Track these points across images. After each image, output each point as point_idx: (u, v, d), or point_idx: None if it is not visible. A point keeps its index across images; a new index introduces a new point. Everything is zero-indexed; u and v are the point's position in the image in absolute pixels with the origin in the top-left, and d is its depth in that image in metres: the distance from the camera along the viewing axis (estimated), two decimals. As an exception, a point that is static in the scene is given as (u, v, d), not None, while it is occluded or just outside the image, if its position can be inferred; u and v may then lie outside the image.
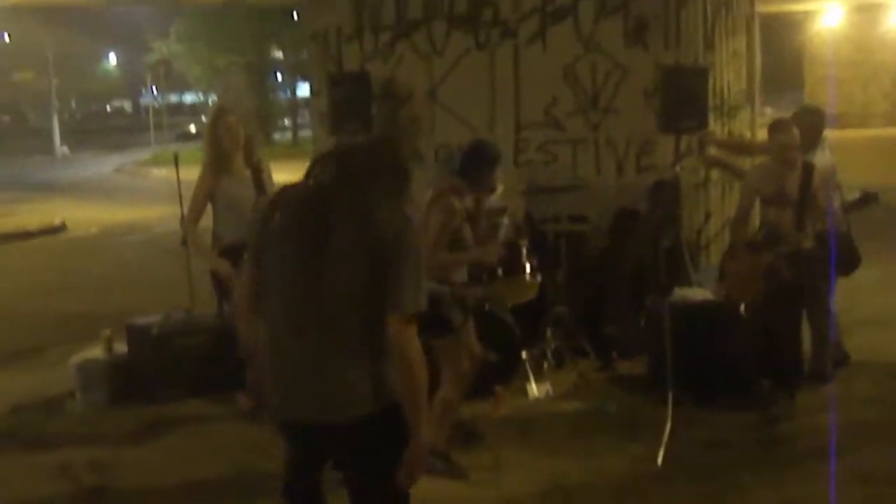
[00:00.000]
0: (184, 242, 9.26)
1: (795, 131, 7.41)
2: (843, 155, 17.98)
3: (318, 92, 10.72)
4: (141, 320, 8.64)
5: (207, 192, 7.67)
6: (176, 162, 9.54)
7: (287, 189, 4.10)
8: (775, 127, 7.67)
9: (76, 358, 8.58)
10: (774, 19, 44.54)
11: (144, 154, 41.10)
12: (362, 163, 4.00)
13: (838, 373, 8.14)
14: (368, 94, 9.94)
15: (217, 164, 7.67)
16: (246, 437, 7.23)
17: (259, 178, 7.66)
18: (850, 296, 9.10)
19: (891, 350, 8.77)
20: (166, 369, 8.31)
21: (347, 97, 9.87)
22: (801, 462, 6.69)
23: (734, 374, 7.57)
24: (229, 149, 7.65)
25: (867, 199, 7.24)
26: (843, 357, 8.34)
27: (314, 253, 3.85)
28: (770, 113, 44.54)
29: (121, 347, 8.63)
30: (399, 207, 3.96)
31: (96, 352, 8.60)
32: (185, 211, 8.79)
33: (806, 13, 41.70)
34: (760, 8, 35.50)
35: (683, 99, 8.70)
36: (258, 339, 4.07)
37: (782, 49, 46.68)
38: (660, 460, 6.62)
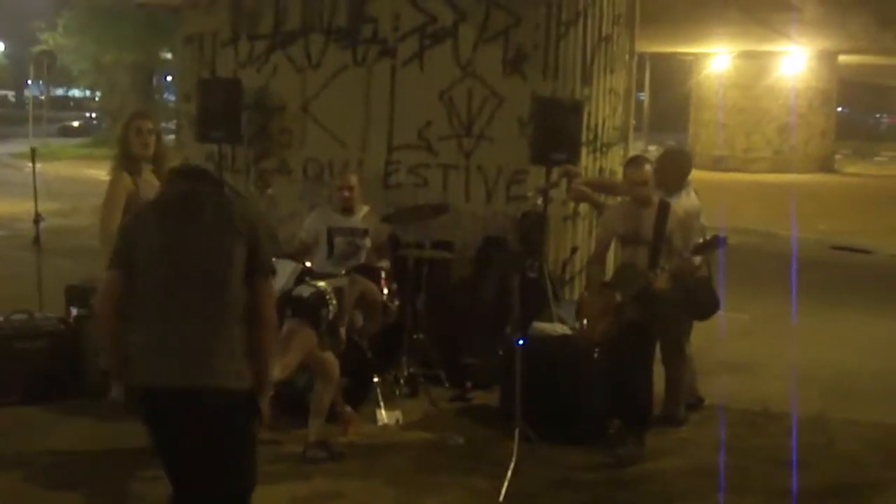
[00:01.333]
0: (35, 241, 8.95)
1: (647, 168, 7.36)
2: (723, 197, 18.27)
3: (188, 96, 10.44)
4: (-21, 321, 8.26)
5: (125, 195, 7.12)
6: (33, 157, 9.21)
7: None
8: (628, 163, 7.64)
9: None
10: (665, 60, 45.35)
11: (23, 146, 40.07)
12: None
13: (691, 416, 8.12)
14: (239, 102, 9.75)
15: (127, 165, 7.21)
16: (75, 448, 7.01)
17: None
18: (711, 339, 9.12)
19: (747, 396, 8.75)
20: (2, 373, 7.94)
21: (218, 104, 9.66)
22: (645, 507, 6.59)
23: (585, 412, 7.48)
24: (138, 153, 7.24)
25: (716, 242, 7.19)
26: (697, 401, 8.32)
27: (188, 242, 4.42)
28: (653, 151, 45.35)
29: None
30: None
31: (-69, 351, 8.20)
32: (39, 209, 8.47)
33: (696, 56, 42.38)
34: (652, 48, 36.28)
35: (556, 131, 8.70)
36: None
37: (671, 90, 47.43)
38: (501, 496, 6.47)
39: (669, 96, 47.83)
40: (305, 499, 6.51)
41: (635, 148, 37.34)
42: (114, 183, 7.17)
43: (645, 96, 46.63)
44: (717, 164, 36.97)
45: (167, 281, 4.36)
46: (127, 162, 7.20)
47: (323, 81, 9.83)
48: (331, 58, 9.77)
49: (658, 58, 43.63)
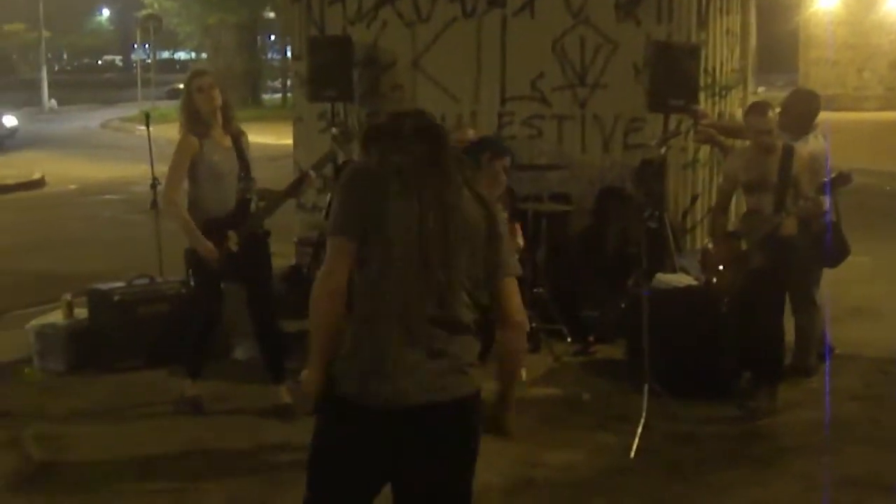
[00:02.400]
0: (153, 206, 8.99)
1: (771, 114, 7.12)
2: (836, 137, 17.82)
3: (299, 55, 10.40)
4: (103, 285, 8.37)
5: (190, 158, 6.97)
6: (147, 121, 9.24)
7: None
8: (750, 110, 7.38)
9: (34, 322, 8.32)
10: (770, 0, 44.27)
11: (132, 110, 40.59)
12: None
13: (822, 366, 7.91)
14: (350, 59, 9.69)
15: (195, 127, 7.03)
16: (200, 417, 7.06)
17: (240, 146, 7.17)
18: (837, 285, 8.84)
19: (879, 343, 8.49)
20: (126, 337, 8.06)
21: (328, 62, 9.61)
22: (779, 460, 6.42)
23: (714, 365, 7.31)
24: (205, 112, 7.11)
25: (842, 179, 6.94)
26: (829, 350, 8.10)
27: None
28: (762, 93, 44.44)
29: (83, 312, 8.35)
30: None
31: (56, 316, 8.33)
32: (155, 173, 8.49)
33: (803, -6, 41.39)
34: (758, -13, 35.47)
35: (673, 76, 8.48)
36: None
37: (778, 30, 46.26)
38: (632, 454, 6.37)
39: (777, 36, 46.73)
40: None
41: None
42: (180, 146, 7.02)
43: (752, 37, 45.60)
44: (829, 104, 35.99)
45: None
46: (193, 123, 7.03)
47: (433, 35, 9.69)
48: (440, 11, 9.63)
49: (763, -3, 42.69)
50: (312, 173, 7.34)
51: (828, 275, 8.09)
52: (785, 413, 7.12)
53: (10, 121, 27.23)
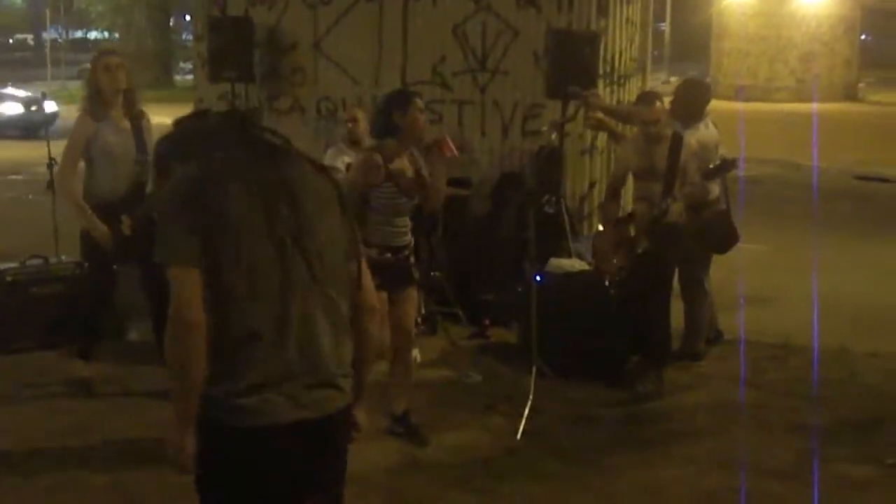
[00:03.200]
0: (49, 186, 8.86)
1: (658, 105, 7.26)
2: (746, 127, 18.10)
3: (201, 36, 10.33)
4: (-4, 266, 8.24)
5: (84, 138, 6.92)
6: (42, 101, 9.09)
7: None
8: (639, 100, 7.54)
9: (-73, 303, 8.17)
10: (686, -11, 44.80)
11: (43, 90, 39.99)
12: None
13: (711, 351, 8.06)
14: (250, 40, 9.64)
15: (94, 108, 6.98)
16: (89, 400, 7.00)
17: (139, 130, 7.08)
18: (733, 272, 9.02)
19: (771, 330, 8.64)
20: (19, 318, 7.95)
21: (228, 43, 9.55)
22: (665, 443, 6.54)
23: (602, 348, 7.41)
24: (108, 93, 7.01)
25: (725, 165, 7.09)
26: (717, 335, 8.26)
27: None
28: (674, 83, 44.90)
29: (-26, 293, 8.23)
30: None
31: (-53, 298, 8.20)
32: (53, 153, 8.37)
33: (717, -17, 41.89)
34: (672, -23, 35.80)
35: (572, 64, 8.54)
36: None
37: (691, 20, 46.88)
38: (518, 434, 6.44)
39: (691, 26, 47.29)
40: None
41: (657, 79, 37.23)
42: (76, 127, 6.98)
43: (666, 26, 46.12)
44: (740, 94, 36.63)
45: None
46: (96, 103, 6.98)
47: (335, 18, 9.69)
48: (342, -7, 9.64)
49: (679, -13, 43.18)
50: None
51: (722, 262, 8.25)
52: (672, 396, 7.26)
53: (51, 107, 26.30)
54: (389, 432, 6.42)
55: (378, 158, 6.07)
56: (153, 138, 7.02)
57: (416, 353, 7.82)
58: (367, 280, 3.59)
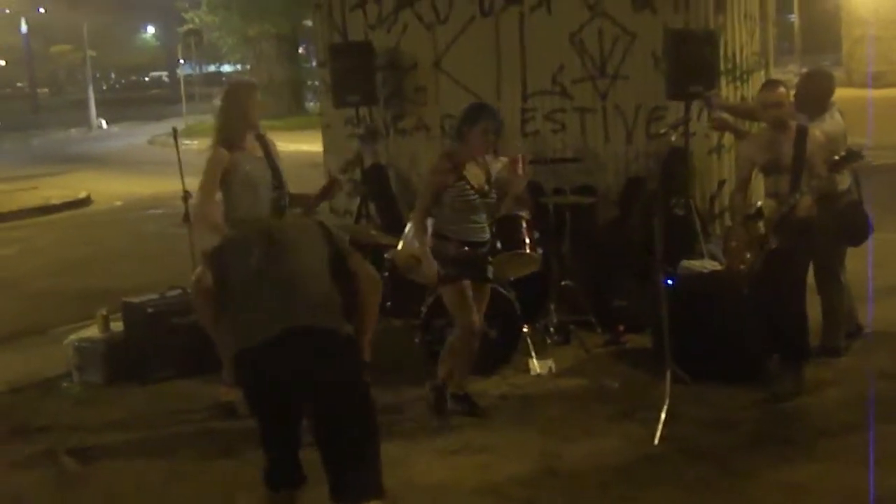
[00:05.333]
0: (185, 219, 9.11)
1: (781, 90, 7.13)
2: (880, 114, 17.58)
3: (323, 62, 10.52)
4: (137, 298, 8.51)
5: (221, 170, 7.08)
6: (175, 137, 9.36)
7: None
8: (762, 87, 7.42)
9: (73, 337, 8.50)
10: (811, -22, 43.92)
11: (179, 125, 40.89)
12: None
13: (851, 345, 7.89)
14: (372, 64, 9.81)
15: (228, 139, 7.15)
16: (234, 422, 7.09)
17: (270, 155, 7.24)
18: (866, 263, 8.80)
19: (908, 321, 8.42)
20: (160, 348, 8.20)
21: (351, 67, 9.73)
22: (807, 441, 6.43)
23: (738, 349, 7.32)
24: (245, 124, 7.19)
25: (852, 156, 6.93)
26: (857, 329, 8.08)
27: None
28: (806, 74, 43.94)
29: (120, 326, 8.52)
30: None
31: (94, 331, 8.51)
32: (187, 186, 8.58)
33: (844, -29, 40.93)
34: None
35: (692, 63, 8.50)
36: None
37: (820, 10, 45.90)
38: (656, 440, 6.41)
39: (820, 15, 46.30)
40: (455, 451, 6.56)
41: (789, 71, 36.49)
42: (210, 160, 7.13)
43: (795, 17, 45.25)
44: (875, 81, 35.72)
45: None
46: (228, 134, 7.14)
47: (452, 36, 9.80)
48: (458, 11, 9.74)
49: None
50: (341, 178, 7.48)
51: (856, 254, 8.08)
52: (813, 394, 7.13)
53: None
54: (452, 412, 7.00)
55: (446, 162, 6.84)
56: (280, 159, 7.28)
57: (550, 362, 7.89)
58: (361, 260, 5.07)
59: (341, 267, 4.93)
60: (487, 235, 7.01)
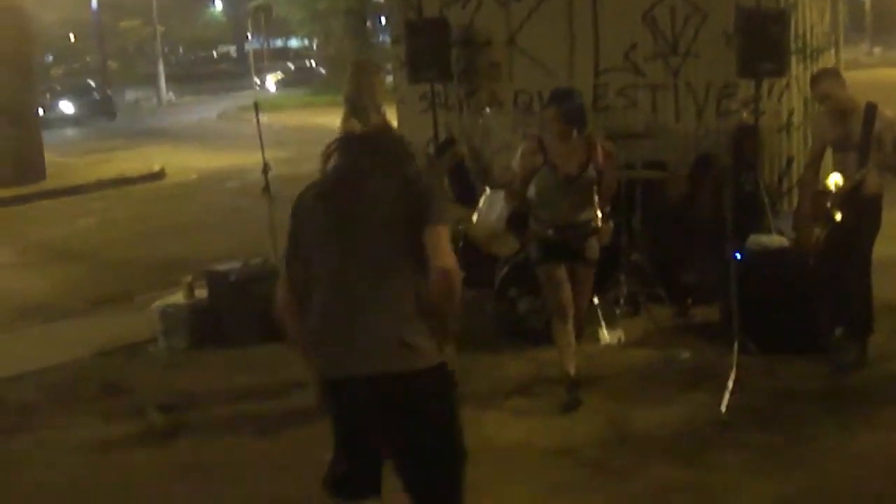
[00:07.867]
0: (264, 190, 9.39)
1: (824, 84, 7.24)
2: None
3: (398, 39, 10.73)
4: (220, 266, 8.82)
5: None
6: (256, 111, 9.63)
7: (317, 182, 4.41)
8: (812, 80, 7.53)
9: (159, 303, 8.83)
10: (886, -45, 43.36)
11: (248, 99, 41.45)
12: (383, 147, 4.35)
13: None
14: (447, 40, 9.99)
15: (359, 116, 7.42)
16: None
17: None
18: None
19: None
20: (242, 314, 8.50)
21: (426, 44, 9.92)
22: (871, 413, 6.58)
23: (805, 321, 7.48)
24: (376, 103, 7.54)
25: None
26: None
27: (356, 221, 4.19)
28: (878, 53, 43.58)
29: (203, 293, 8.83)
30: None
31: (178, 297, 8.82)
32: (266, 159, 8.84)
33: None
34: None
35: (763, 42, 8.59)
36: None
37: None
38: (723, 408, 6.58)
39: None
40: (527, 413, 6.82)
41: (860, 50, 36.03)
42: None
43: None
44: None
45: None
46: (360, 112, 7.42)
47: (526, 12, 9.94)
48: (532, -12, 9.90)
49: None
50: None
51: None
52: (877, 366, 7.28)
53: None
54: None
55: (533, 145, 6.87)
56: None
57: (620, 333, 8.09)
58: (443, 243, 4.07)
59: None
60: (585, 217, 6.91)
